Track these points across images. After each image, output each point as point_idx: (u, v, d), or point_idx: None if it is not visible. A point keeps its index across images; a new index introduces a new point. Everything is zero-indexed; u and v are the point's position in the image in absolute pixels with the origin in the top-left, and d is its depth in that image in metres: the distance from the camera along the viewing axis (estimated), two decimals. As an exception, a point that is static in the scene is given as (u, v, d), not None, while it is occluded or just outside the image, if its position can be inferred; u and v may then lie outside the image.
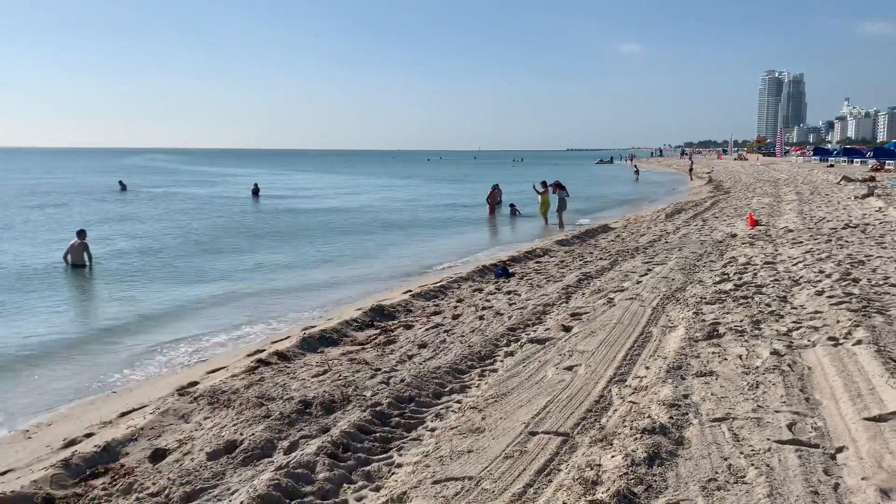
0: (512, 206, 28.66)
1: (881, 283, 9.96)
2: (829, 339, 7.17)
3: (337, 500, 4.49)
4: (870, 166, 52.70)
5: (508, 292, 11.30)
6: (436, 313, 10.10)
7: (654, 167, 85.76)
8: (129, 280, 14.92)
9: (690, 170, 59.98)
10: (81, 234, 16.35)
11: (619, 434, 5.00)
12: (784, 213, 22.01)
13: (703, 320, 8.28)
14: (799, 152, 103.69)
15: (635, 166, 71.71)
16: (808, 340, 7.23)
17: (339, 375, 6.97)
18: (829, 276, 10.58)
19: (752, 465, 4.43)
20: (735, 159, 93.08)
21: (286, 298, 12.95)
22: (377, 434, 5.45)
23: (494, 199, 29.74)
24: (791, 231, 16.90)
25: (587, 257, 14.81)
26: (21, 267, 16.44)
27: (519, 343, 7.98)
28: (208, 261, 17.27)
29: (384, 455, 5.12)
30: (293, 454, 5.00)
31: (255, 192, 41.05)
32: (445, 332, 8.76)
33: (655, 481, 4.27)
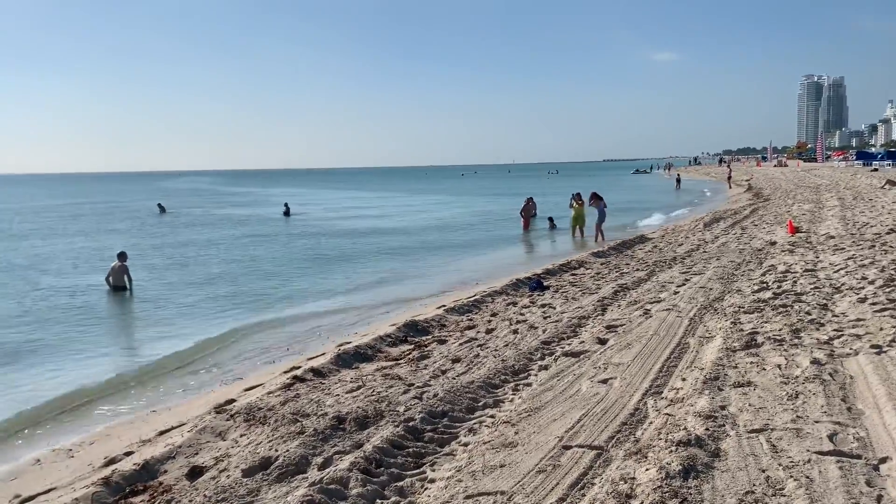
0: (550, 219, 28.29)
1: (927, 288, 9.67)
2: (872, 346, 6.99)
3: (370, 515, 4.50)
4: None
5: (543, 305, 11.24)
6: (469, 328, 10.09)
7: (692, 175, 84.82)
8: (166, 302, 15.17)
9: (729, 177, 59.36)
10: (122, 256, 16.62)
11: (654, 447, 4.92)
12: (825, 219, 21.51)
13: (741, 330, 8.13)
14: (841, 157, 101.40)
15: (677, 175, 71.02)
16: (850, 349, 7.04)
17: (373, 391, 7.01)
18: (872, 282, 10.31)
19: (791, 476, 4.32)
20: (775, 166, 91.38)
21: (321, 319, 12.88)
22: (410, 449, 5.45)
23: (529, 213, 29.36)
24: (832, 237, 16.51)
25: (623, 268, 14.67)
26: (65, 287, 17.03)
27: (553, 356, 7.91)
28: (244, 284, 17.32)
29: (417, 470, 5.12)
30: (327, 470, 5.03)
31: (287, 212, 41.82)
32: (479, 346, 8.74)
33: (690, 494, 4.19)
